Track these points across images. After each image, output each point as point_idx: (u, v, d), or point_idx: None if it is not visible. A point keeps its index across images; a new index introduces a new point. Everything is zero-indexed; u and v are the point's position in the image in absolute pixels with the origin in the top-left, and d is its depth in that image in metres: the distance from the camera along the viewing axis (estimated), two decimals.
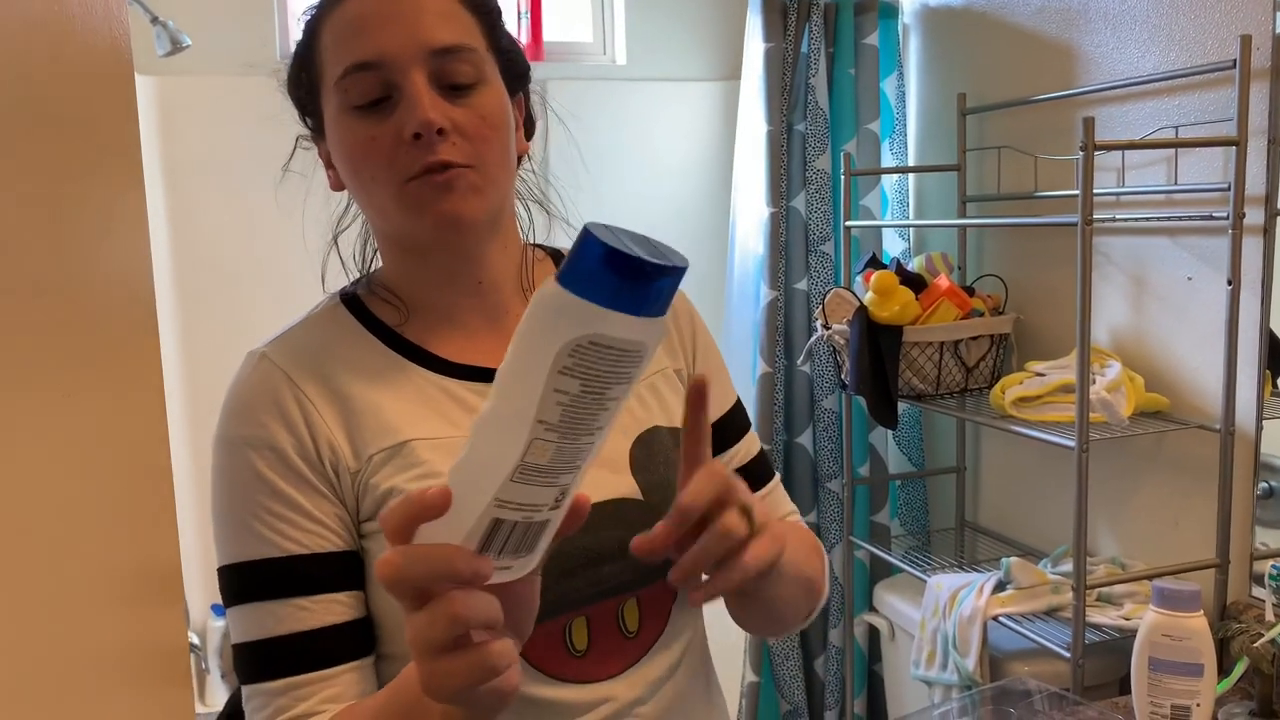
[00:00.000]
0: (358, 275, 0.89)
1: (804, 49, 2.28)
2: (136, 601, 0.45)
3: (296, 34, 0.85)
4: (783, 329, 2.33)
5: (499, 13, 0.84)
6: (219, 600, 2.24)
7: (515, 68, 0.85)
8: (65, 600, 0.37)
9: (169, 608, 0.48)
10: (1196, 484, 1.71)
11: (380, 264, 0.89)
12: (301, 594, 0.75)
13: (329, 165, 0.85)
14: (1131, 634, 1.46)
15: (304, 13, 0.83)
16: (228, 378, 0.82)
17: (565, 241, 0.95)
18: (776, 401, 2.32)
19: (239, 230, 2.23)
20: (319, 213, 0.93)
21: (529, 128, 0.89)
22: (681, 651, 0.86)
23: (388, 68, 0.76)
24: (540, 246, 0.93)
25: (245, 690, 0.77)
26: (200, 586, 2.25)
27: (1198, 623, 1.26)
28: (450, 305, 0.84)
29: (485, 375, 0.83)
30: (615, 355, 0.46)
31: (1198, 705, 1.26)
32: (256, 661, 0.76)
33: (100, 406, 0.42)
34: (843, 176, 2.18)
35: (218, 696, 2.20)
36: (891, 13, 2.33)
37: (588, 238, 0.44)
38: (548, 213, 0.92)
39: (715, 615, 0.94)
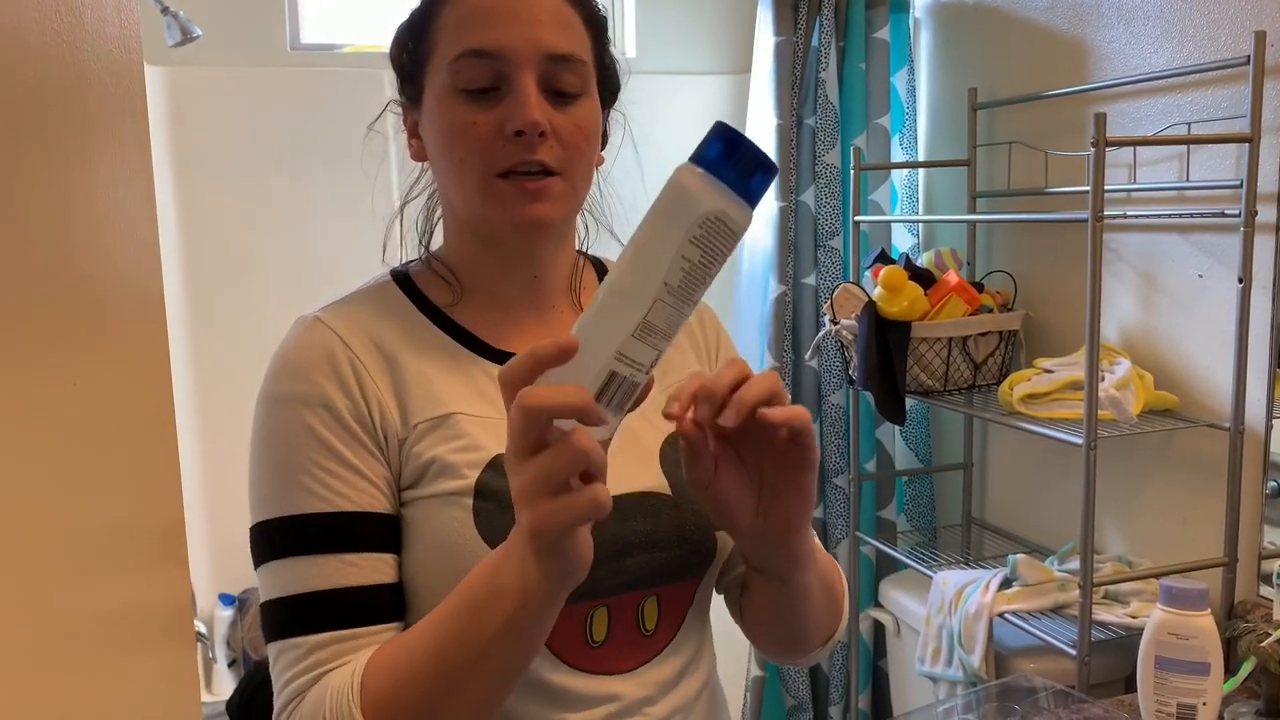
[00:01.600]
0: (418, 244, 0.91)
1: (814, 43, 2.27)
2: (139, 559, 0.45)
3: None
4: (790, 324, 2.33)
5: (607, 29, 0.87)
6: (227, 589, 2.27)
7: (610, 84, 0.87)
8: (68, 564, 0.37)
9: (175, 564, 0.49)
10: (1205, 482, 1.71)
11: (440, 238, 0.91)
12: (350, 550, 0.76)
13: (413, 135, 0.87)
14: (1138, 632, 1.46)
15: None
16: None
17: (605, 249, 0.96)
18: None
19: (247, 219, 2.23)
20: (362, 191, 0.96)
21: (602, 141, 0.91)
22: (691, 657, 0.87)
23: (503, 60, 0.78)
24: (584, 254, 0.96)
25: (276, 646, 0.76)
26: (207, 575, 2.26)
27: (1205, 621, 1.25)
28: (503, 293, 0.86)
29: None
30: (728, 234, 0.57)
31: (1204, 704, 1.26)
32: (296, 615, 0.75)
33: (108, 382, 0.43)
34: (852, 171, 2.17)
35: (225, 686, 2.21)
36: (903, 7, 2.32)
37: (723, 132, 0.56)
38: (598, 223, 0.94)
39: (722, 611, 0.94)
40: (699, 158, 0.57)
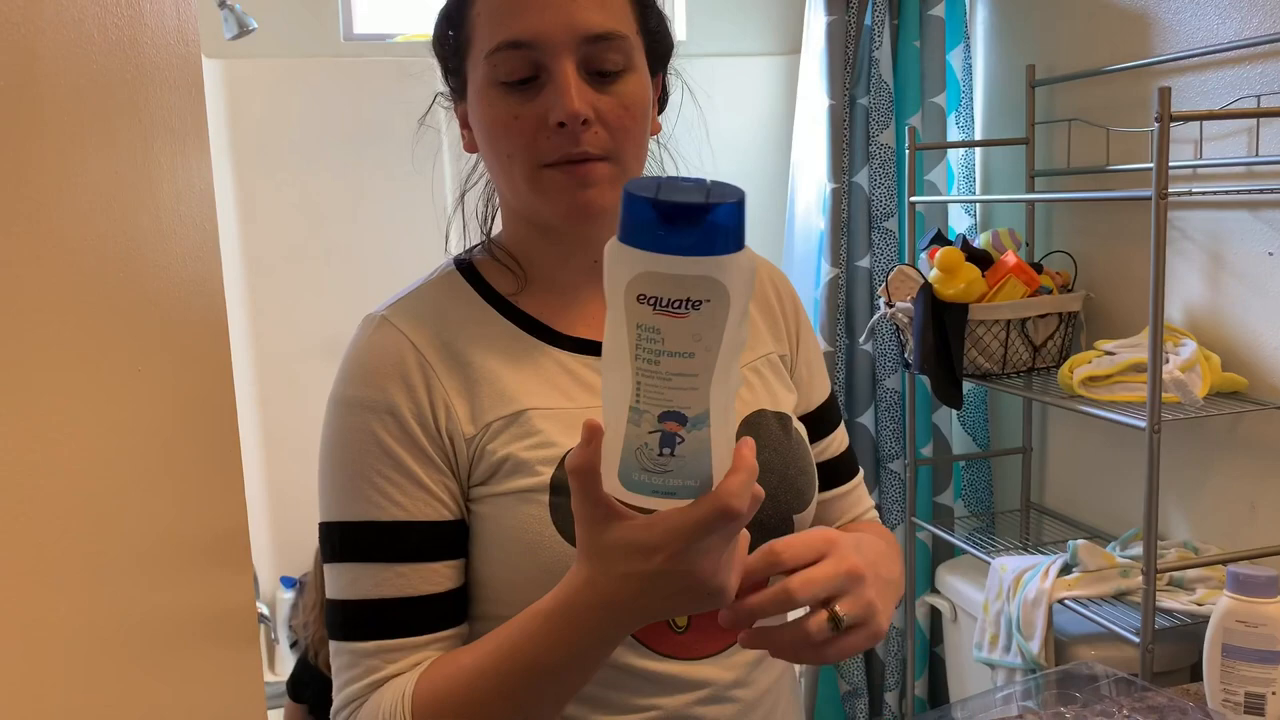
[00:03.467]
0: (480, 231, 0.90)
1: (867, 21, 2.24)
2: (205, 564, 0.46)
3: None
4: (844, 307, 2.30)
5: None
6: (288, 572, 2.32)
7: (660, 48, 0.85)
8: (135, 564, 0.38)
9: (236, 570, 0.50)
10: (1275, 466, 1.66)
11: (499, 226, 0.90)
12: (401, 560, 0.77)
13: (464, 125, 0.85)
14: (1204, 620, 1.42)
15: None
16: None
17: None
18: (838, 381, 2.30)
19: (304, 208, 2.26)
20: (418, 179, 0.95)
21: (662, 103, 0.89)
22: None
23: (540, 49, 0.76)
24: None
25: (333, 645, 0.79)
26: (270, 558, 2.31)
27: (1274, 609, 1.22)
28: (564, 280, 0.85)
29: (595, 349, 0.83)
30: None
31: (1274, 694, 1.22)
32: (350, 620, 0.78)
33: (169, 380, 0.43)
34: (907, 151, 2.14)
35: (287, 666, 2.26)
36: None
37: (624, 196, 0.52)
38: None
39: None
40: (617, 231, 0.54)
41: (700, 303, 0.53)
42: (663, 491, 0.58)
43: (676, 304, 0.53)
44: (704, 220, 0.52)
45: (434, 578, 0.78)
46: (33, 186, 0.32)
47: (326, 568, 0.80)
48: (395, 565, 0.77)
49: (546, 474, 0.77)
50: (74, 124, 0.35)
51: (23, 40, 0.32)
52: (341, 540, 0.78)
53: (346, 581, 0.78)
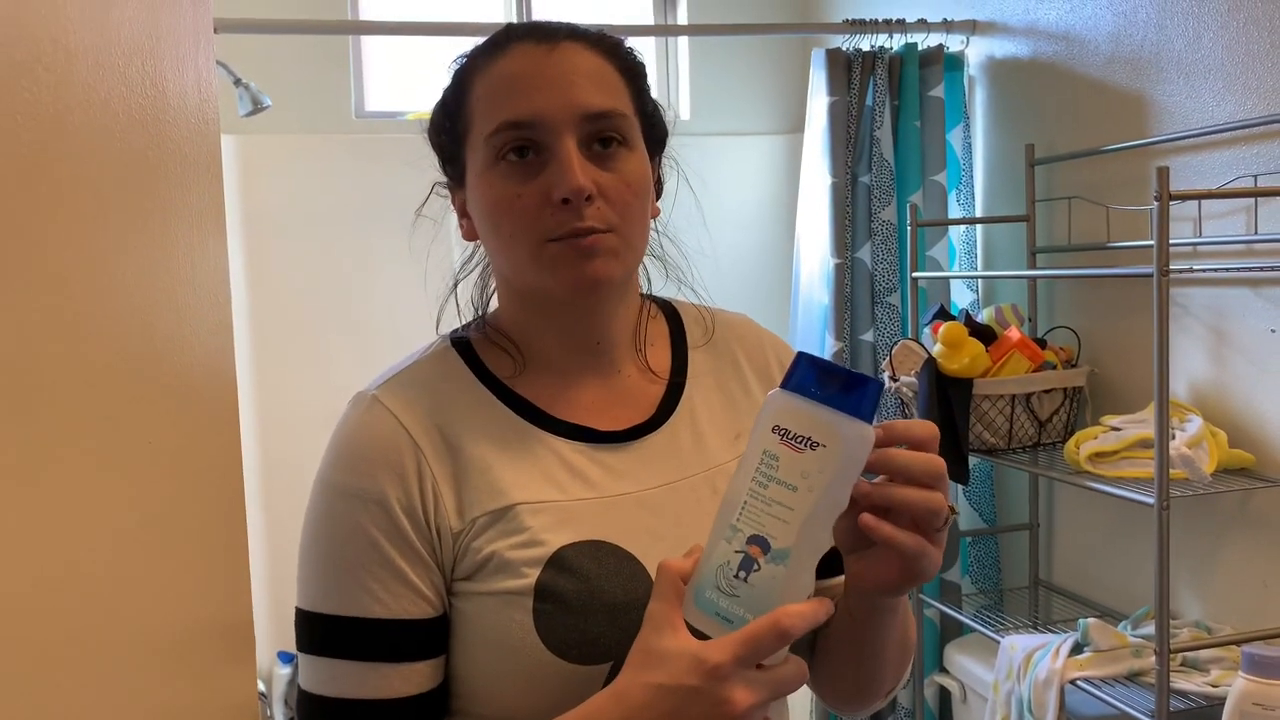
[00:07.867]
0: (472, 319, 0.89)
1: (869, 102, 2.28)
2: (208, 658, 0.45)
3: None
4: None
5: (645, 76, 0.85)
6: (286, 647, 2.28)
7: (656, 132, 0.85)
8: (139, 657, 0.38)
9: (240, 664, 0.48)
10: None
11: (495, 309, 0.89)
12: (383, 660, 0.74)
13: (463, 214, 0.85)
14: (1219, 702, 1.39)
15: (454, 60, 0.84)
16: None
17: (687, 297, 0.93)
18: None
19: (314, 282, 2.28)
20: (439, 258, 0.94)
21: (658, 191, 0.89)
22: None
23: (541, 128, 0.76)
24: (654, 300, 0.92)
25: None
26: (267, 633, 2.27)
27: None
28: (564, 360, 0.84)
29: (591, 436, 0.81)
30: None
31: None
32: (327, 718, 0.75)
33: (179, 460, 0.43)
34: (909, 227, 2.16)
35: None
36: (957, 65, 2.32)
37: (798, 357, 0.64)
38: (666, 271, 0.91)
39: None
40: (782, 382, 0.65)
41: (818, 445, 0.61)
42: (724, 616, 0.63)
43: (799, 439, 0.62)
44: (843, 381, 0.62)
45: (415, 678, 0.75)
46: (52, 259, 0.33)
47: (302, 658, 0.77)
48: (377, 665, 0.74)
49: (532, 576, 0.75)
50: (96, 199, 0.36)
51: (50, 118, 0.32)
52: (323, 633, 0.76)
53: (327, 677, 0.75)
